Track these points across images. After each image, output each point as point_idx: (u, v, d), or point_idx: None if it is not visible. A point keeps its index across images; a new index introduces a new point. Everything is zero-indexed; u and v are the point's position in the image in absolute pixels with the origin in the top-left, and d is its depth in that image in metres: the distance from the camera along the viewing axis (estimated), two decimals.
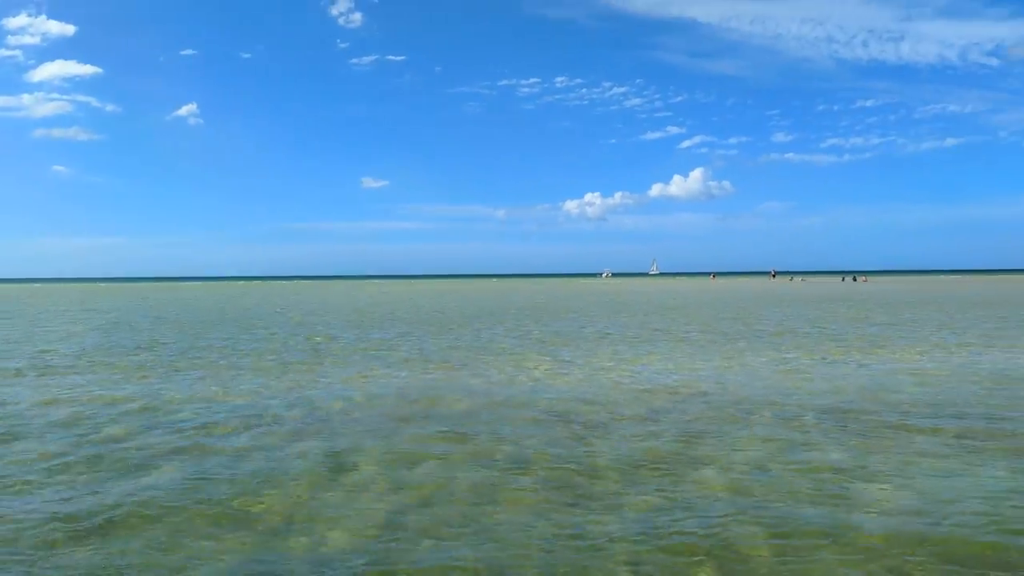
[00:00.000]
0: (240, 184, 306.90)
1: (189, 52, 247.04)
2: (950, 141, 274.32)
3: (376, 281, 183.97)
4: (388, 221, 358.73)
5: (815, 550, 5.66)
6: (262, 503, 6.88)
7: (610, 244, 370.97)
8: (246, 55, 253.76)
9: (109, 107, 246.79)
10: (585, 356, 18.40)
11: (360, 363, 17.36)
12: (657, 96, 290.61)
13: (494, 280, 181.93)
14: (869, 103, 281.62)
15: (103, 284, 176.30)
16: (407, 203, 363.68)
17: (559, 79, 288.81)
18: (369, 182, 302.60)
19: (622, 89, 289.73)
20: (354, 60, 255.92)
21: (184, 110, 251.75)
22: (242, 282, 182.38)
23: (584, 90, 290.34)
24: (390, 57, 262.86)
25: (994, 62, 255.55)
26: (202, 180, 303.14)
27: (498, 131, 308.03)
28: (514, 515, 6.52)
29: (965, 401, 11.62)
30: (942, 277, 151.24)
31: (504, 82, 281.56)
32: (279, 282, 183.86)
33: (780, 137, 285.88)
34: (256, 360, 18.02)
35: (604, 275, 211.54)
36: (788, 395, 12.38)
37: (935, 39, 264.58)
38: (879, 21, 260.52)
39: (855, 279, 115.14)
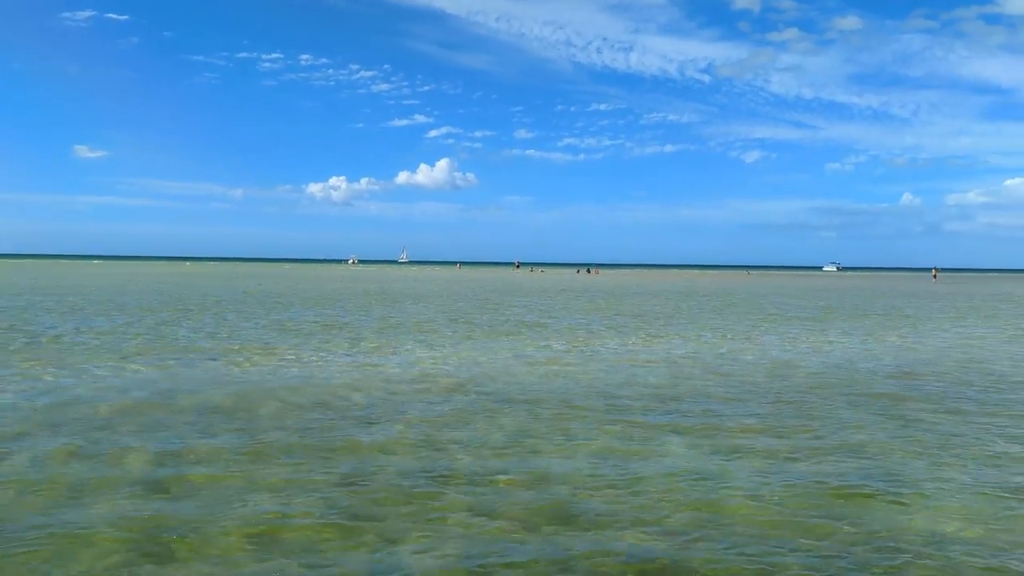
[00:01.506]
0: None
1: None
2: (669, 147, 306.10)
3: (95, 262, 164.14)
4: (109, 196, 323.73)
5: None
6: None
7: (356, 230, 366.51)
8: None
9: None
10: (333, 347, 16.74)
11: (85, 356, 14.26)
12: (405, 83, 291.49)
13: (231, 264, 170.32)
14: (602, 107, 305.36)
15: None
16: (132, 177, 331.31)
17: (304, 57, 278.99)
18: (84, 151, 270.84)
19: (370, 73, 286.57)
20: (66, 14, 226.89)
21: None
22: None
23: (330, 71, 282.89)
24: (110, 15, 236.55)
25: (706, 79, 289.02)
26: None
27: (236, 106, 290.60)
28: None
29: (654, 384, 11.83)
30: (660, 271, 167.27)
31: (243, 54, 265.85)
32: None
33: (522, 133, 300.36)
34: None
35: (350, 261, 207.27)
36: (496, 380, 11.91)
37: (658, 53, 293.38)
38: (612, 31, 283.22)
39: (588, 271, 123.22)
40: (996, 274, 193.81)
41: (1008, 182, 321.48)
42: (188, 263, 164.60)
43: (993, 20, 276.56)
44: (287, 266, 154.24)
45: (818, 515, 6.23)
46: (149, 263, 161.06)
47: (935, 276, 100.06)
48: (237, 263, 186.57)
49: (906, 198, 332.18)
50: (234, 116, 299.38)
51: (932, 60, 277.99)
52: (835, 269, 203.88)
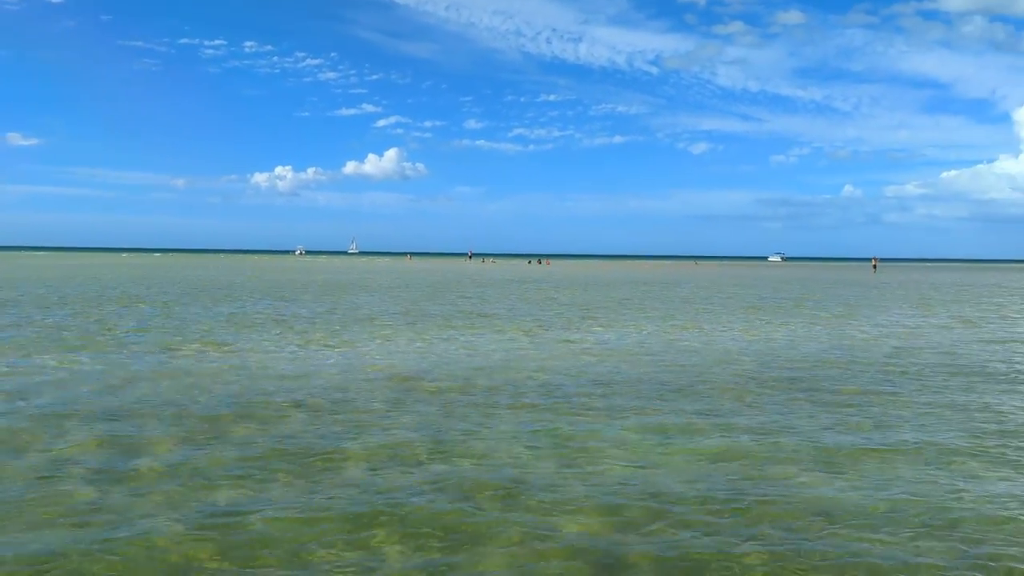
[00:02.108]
0: None
1: None
2: (618, 139, 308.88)
3: (27, 253, 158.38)
4: (43, 185, 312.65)
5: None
6: None
7: (304, 220, 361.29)
8: None
9: None
10: (285, 340, 16.39)
11: (24, 352, 13.65)
12: (353, 72, 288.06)
13: (173, 255, 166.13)
14: (551, 98, 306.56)
15: None
16: (67, 166, 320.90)
17: (248, 44, 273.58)
18: (17, 139, 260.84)
19: (316, 61, 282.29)
20: None
21: None
22: None
23: (276, 58, 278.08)
24: None
25: (654, 70, 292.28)
26: None
27: (178, 93, 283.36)
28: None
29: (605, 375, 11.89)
30: (610, 261, 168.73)
31: (185, 40, 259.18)
32: None
33: (472, 124, 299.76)
34: None
35: (298, 252, 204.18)
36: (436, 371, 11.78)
37: (607, 44, 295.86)
38: (561, 22, 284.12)
39: (540, 262, 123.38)
40: (933, 264, 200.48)
41: (944, 174, 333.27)
42: (125, 254, 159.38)
43: (931, 16, 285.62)
44: (229, 257, 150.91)
45: (753, 496, 6.40)
46: (85, 254, 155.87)
47: (875, 266, 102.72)
48: (179, 254, 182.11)
49: (848, 190, 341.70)
50: (176, 103, 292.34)
51: (873, 55, 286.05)
52: (780, 259, 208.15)
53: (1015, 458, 7.71)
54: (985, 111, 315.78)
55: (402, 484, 6.65)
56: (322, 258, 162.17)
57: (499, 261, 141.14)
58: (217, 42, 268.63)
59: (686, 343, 17.19)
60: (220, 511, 5.94)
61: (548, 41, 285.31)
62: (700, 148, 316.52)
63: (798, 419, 9.44)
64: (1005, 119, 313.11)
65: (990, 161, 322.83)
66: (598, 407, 10.01)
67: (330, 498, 6.26)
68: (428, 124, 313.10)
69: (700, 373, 12.93)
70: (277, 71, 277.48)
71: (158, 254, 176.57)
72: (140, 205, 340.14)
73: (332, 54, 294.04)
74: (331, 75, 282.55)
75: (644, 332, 19.40)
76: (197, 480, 6.67)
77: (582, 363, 13.94)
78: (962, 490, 6.63)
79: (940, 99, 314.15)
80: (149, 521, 5.67)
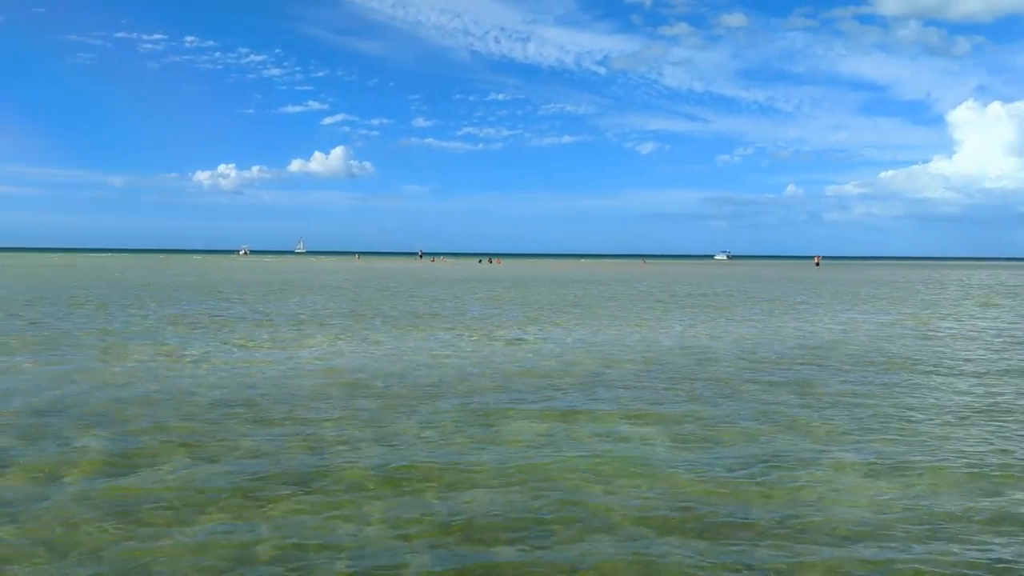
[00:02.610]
0: None
1: None
2: (567, 138, 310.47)
3: None
4: None
5: None
6: None
7: (248, 219, 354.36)
8: None
9: None
10: (231, 343, 15.65)
11: None
12: (298, 69, 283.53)
13: (109, 255, 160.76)
14: (500, 97, 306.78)
15: None
16: None
17: (189, 38, 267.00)
18: None
19: (260, 57, 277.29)
20: None
21: None
22: None
23: (218, 54, 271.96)
24: None
25: (602, 71, 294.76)
26: None
27: (114, 89, 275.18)
28: None
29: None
30: (560, 260, 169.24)
31: (122, 34, 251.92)
32: None
33: (420, 122, 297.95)
34: None
35: (242, 252, 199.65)
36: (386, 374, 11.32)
37: (555, 44, 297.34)
38: (509, 21, 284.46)
39: (491, 261, 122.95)
40: (871, 261, 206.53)
41: (882, 174, 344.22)
42: (56, 255, 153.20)
43: (867, 20, 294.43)
44: (169, 257, 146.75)
45: (708, 499, 6.26)
46: (12, 255, 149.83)
47: (817, 264, 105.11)
48: (116, 255, 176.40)
49: (790, 189, 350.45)
50: (112, 99, 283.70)
51: (813, 57, 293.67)
52: (725, 258, 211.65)
53: (982, 454, 7.64)
54: (920, 113, 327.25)
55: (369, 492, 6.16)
56: (267, 258, 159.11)
57: (450, 260, 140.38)
58: (156, 36, 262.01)
59: (643, 342, 16.97)
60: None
61: (496, 40, 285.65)
62: (648, 148, 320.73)
63: (763, 417, 9.22)
64: (939, 121, 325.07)
65: (925, 162, 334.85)
66: (566, 407, 9.66)
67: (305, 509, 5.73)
68: (375, 122, 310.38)
69: (656, 371, 12.69)
70: (220, 67, 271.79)
71: (93, 255, 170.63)
72: (74, 204, 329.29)
73: (277, 50, 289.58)
74: (276, 71, 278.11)
75: (600, 333, 19.15)
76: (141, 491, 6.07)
77: (541, 365, 13.58)
78: (934, 492, 6.46)
79: (877, 101, 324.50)
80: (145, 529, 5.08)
